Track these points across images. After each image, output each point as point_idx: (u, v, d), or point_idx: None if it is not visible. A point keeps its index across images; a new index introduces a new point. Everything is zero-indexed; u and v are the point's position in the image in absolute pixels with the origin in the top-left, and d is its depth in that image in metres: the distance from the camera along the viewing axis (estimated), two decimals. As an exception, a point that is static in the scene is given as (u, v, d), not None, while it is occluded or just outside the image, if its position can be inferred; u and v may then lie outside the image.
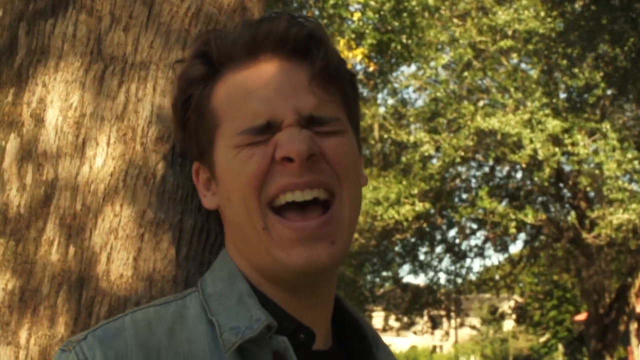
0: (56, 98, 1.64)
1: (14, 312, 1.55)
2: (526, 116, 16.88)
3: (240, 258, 1.45)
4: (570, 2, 12.84)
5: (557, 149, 16.92)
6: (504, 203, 19.80)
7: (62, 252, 1.56)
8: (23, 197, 1.60)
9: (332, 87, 1.44)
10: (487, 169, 21.73)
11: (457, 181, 21.60)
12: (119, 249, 1.57)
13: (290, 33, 1.42)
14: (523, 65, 19.58)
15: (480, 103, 18.92)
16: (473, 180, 22.08)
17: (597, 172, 17.14)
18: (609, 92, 16.70)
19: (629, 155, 16.33)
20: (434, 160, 19.91)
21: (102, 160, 1.60)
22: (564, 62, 16.69)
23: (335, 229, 1.39)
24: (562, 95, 18.58)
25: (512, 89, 17.92)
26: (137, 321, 1.37)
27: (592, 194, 20.46)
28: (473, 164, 21.68)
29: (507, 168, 21.28)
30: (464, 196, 21.99)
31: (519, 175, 21.20)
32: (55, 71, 1.66)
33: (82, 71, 1.65)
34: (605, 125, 16.74)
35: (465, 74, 18.63)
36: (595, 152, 17.02)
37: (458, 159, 18.74)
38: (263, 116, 1.38)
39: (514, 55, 18.70)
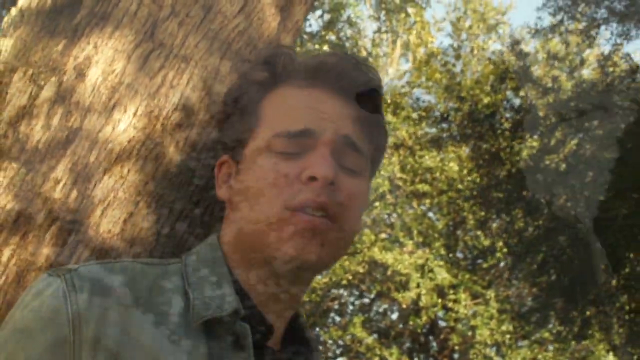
0: (102, 60, 1.78)
1: (4, 231, 1.65)
2: (420, 261, 17.28)
3: (235, 248, 1.55)
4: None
5: (439, 301, 17.31)
6: (373, 336, 19.98)
7: (65, 192, 1.68)
8: (45, 134, 1.72)
9: (370, 133, 1.60)
10: (367, 300, 21.94)
11: (336, 303, 21.74)
12: (115, 207, 1.69)
13: (352, 76, 1.57)
14: (431, 214, 20.09)
15: (382, 235, 19.30)
16: (351, 307, 22.24)
17: (469, 334, 17.55)
18: (503, 263, 17.24)
19: (504, 328, 16.82)
20: (320, 276, 20.08)
21: (125, 126, 1.74)
22: (471, 221, 17.19)
23: (329, 238, 1.48)
24: (460, 254, 19.10)
25: (415, 232, 18.37)
26: (126, 269, 1.47)
27: (457, 355, 20.81)
28: (356, 291, 21.89)
29: (386, 305, 21.53)
30: (337, 319, 22.09)
31: (395, 315, 21.48)
32: (109, 38, 1.81)
33: (133, 45, 1.81)
34: (490, 293, 17.25)
35: (377, 204, 19.05)
36: (474, 315, 17.45)
37: (344, 282, 18.95)
38: (302, 123, 1.51)
39: (427, 201, 19.19)
